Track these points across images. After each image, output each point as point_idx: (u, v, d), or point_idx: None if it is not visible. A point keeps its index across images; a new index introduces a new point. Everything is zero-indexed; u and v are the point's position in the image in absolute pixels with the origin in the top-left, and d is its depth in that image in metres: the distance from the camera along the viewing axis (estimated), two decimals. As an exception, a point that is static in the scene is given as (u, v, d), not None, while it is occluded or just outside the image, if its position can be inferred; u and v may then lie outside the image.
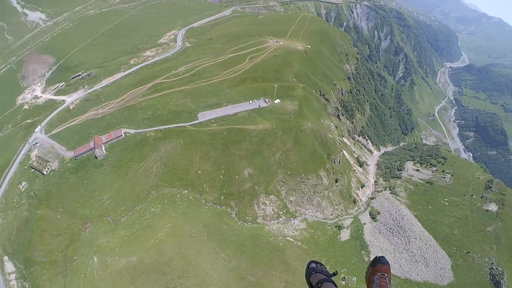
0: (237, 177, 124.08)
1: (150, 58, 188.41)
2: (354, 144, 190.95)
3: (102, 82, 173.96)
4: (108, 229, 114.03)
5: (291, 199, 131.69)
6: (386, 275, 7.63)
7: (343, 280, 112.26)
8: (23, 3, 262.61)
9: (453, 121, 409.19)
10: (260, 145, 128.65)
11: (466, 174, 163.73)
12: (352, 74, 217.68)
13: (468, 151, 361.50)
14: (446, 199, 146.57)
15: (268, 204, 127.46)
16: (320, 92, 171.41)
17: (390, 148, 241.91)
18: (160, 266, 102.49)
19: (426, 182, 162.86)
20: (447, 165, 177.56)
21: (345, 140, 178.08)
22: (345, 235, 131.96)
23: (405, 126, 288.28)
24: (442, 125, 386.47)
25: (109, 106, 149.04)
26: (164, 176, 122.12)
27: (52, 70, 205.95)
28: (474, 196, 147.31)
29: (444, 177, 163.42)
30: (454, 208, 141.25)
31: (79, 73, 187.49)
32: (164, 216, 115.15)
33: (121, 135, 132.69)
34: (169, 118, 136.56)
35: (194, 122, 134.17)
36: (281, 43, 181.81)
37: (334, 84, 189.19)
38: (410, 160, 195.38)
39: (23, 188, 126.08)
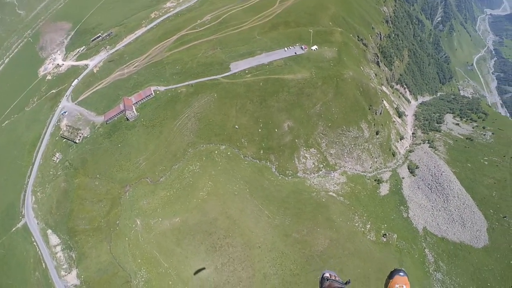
0: (276, 130, 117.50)
1: (172, 9, 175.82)
2: (393, 93, 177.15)
3: (124, 40, 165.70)
4: (148, 191, 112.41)
5: (331, 151, 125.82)
6: (404, 286, 7.64)
7: (384, 237, 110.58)
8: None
9: (492, 73, 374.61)
10: (300, 96, 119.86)
11: (508, 134, 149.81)
12: (390, 17, 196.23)
13: (506, 107, 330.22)
14: (486, 158, 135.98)
15: (309, 158, 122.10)
16: (358, 36, 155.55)
17: (427, 98, 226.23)
18: (205, 227, 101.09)
19: (466, 138, 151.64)
20: (488, 121, 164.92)
21: (384, 89, 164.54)
22: (384, 189, 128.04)
23: (443, 74, 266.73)
24: (480, 76, 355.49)
25: (134, 65, 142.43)
26: (200, 132, 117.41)
27: (70, 36, 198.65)
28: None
29: (484, 134, 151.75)
30: (493, 168, 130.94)
31: (98, 35, 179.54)
32: (203, 174, 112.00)
33: (151, 94, 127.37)
34: (199, 71, 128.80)
35: (227, 73, 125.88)
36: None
37: (372, 28, 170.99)
38: (449, 113, 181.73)
39: (58, 160, 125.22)
